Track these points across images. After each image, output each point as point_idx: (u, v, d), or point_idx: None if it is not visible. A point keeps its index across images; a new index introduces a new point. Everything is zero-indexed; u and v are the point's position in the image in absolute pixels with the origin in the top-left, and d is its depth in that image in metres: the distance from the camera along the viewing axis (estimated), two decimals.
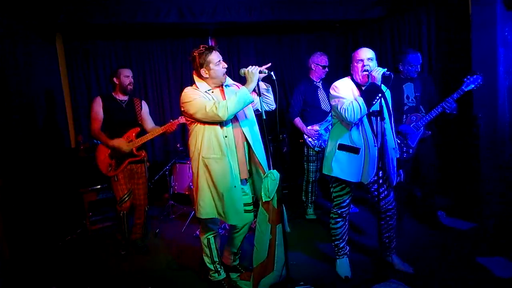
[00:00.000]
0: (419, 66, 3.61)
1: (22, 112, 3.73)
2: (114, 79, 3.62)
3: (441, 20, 4.28)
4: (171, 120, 3.69)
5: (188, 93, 2.76)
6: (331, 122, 3.71)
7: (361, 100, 2.70)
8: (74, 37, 5.04)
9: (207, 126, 2.74)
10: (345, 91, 2.86)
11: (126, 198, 3.64)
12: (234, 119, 2.80)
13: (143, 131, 3.73)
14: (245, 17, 4.60)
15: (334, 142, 2.95)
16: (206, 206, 2.80)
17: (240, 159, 2.84)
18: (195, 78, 2.83)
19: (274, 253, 2.80)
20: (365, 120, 2.84)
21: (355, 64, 2.85)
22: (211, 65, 2.72)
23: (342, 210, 3.05)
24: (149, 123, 3.80)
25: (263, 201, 2.76)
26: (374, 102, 2.71)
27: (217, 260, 3.02)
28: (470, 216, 3.92)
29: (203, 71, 2.74)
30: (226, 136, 2.75)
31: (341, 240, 3.13)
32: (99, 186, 4.49)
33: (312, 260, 3.43)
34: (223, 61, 2.79)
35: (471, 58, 3.76)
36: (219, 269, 3.02)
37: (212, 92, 2.79)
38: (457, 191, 4.26)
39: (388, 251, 3.11)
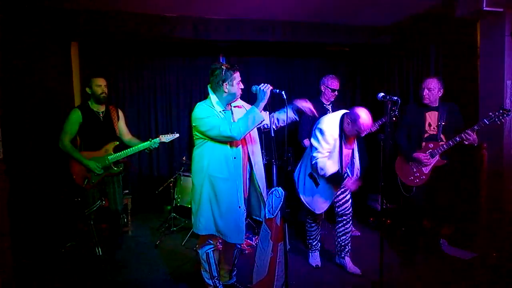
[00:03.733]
0: (438, 90, 3.58)
1: (33, 116, 3.79)
2: (87, 88, 3.58)
3: (449, 50, 4.35)
4: (150, 139, 3.67)
5: (203, 110, 2.77)
6: None
7: (330, 172, 3.16)
8: (89, 46, 5.16)
9: (217, 145, 2.76)
10: (329, 138, 3.18)
11: (94, 208, 3.66)
12: (242, 139, 2.83)
13: (122, 144, 3.72)
14: (257, 37, 4.71)
15: (304, 167, 3.57)
16: (205, 222, 2.82)
17: (243, 179, 2.88)
18: (211, 91, 2.85)
19: (274, 271, 2.80)
20: (337, 156, 3.25)
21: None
22: (234, 82, 2.78)
23: (317, 216, 3.57)
24: (125, 133, 3.79)
25: (266, 218, 2.78)
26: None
27: (216, 275, 3.01)
28: (471, 246, 3.89)
29: (225, 85, 2.77)
30: (235, 158, 2.79)
31: (314, 239, 3.72)
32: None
33: (312, 281, 3.41)
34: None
35: (479, 90, 3.82)
36: (217, 285, 3.01)
37: (225, 112, 2.81)
38: (459, 220, 4.24)
39: (343, 253, 3.58)
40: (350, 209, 3.51)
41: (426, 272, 3.49)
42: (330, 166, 3.15)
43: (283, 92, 2.68)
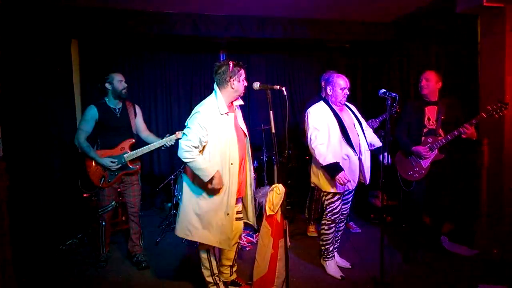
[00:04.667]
0: (435, 82, 3.60)
1: (33, 114, 3.79)
2: (107, 84, 3.49)
3: (449, 46, 4.34)
4: (168, 135, 3.50)
5: (196, 116, 2.77)
6: None
7: (329, 160, 3.13)
8: (89, 43, 5.15)
9: (218, 151, 2.80)
10: (319, 120, 3.24)
11: (109, 208, 3.58)
12: (239, 141, 2.90)
13: (138, 142, 3.64)
14: (257, 33, 4.69)
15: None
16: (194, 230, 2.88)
17: (239, 180, 2.93)
18: (217, 88, 2.87)
19: (275, 268, 2.81)
20: (339, 137, 3.21)
21: (338, 90, 3.28)
22: (240, 79, 2.84)
23: (335, 216, 3.34)
24: (143, 130, 3.69)
25: (267, 214, 2.78)
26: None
27: (216, 272, 3.02)
28: (473, 242, 3.89)
29: (232, 81, 2.80)
30: (232, 163, 2.82)
31: (331, 245, 3.45)
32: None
33: (312, 278, 3.41)
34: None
35: (479, 86, 3.82)
36: (217, 282, 3.02)
37: (228, 115, 2.85)
38: (460, 217, 4.24)
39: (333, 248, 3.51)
40: (348, 210, 3.51)
41: (427, 269, 3.50)
42: (327, 153, 3.15)
43: (283, 89, 2.68)
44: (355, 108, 3.54)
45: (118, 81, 3.49)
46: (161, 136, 3.60)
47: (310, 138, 3.23)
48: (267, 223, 2.80)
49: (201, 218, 2.85)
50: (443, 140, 3.49)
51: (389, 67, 5.34)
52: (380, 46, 5.44)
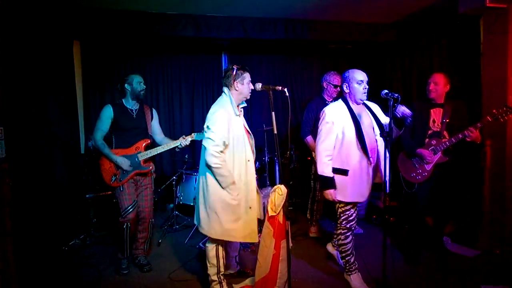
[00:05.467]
0: (443, 85, 3.57)
1: (35, 115, 3.79)
2: (126, 85, 3.51)
3: (452, 47, 4.33)
4: (184, 136, 3.56)
5: (217, 116, 2.86)
6: None
7: (327, 172, 3.00)
8: (91, 44, 5.15)
9: (237, 150, 2.91)
10: (335, 120, 3.03)
11: (131, 209, 3.44)
12: (248, 138, 3.02)
13: (153, 144, 3.64)
14: (259, 35, 4.70)
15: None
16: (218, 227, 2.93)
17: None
18: (227, 90, 3.00)
19: (277, 269, 2.80)
20: (355, 142, 2.99)
21: (355, 85, 3.04)
22: (244, 81, 2.95)
23: (351, 223, 3.12)
24: (158, 133, 3.70)
25: (269, 215, 2.78)
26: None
27: (222, 271, 3.06)
28: (475, 243, 3.88)
29: (236, 83, 2.94)
30: (249, 160, 2.96)
31: (351, 255, 3.17)
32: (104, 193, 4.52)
33: (314, 279, 3.41)
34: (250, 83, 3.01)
35: (481, 86, 3.81)
36: (221, 281, 3.04)
37: (239, 116, 2.97)
38: (463, 217, 4.23)
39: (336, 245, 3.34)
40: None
41: (430, 270, 3.49)
42: (327, 163, 3.02)
43: (285, 90, 2.68)
44: (378, 108, 3.28)
45: (138, 82, 3.52)
46: (177, 138, 3.62)
47: (319, 139, 3.08)
48: (269, 223, 2.80)
49: (226, 214, 2.91)
50: (447, 142, 3.46)
51: (391, 67, 5.34)
52: (382, 47, 5.43)
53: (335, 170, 3.04)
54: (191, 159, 5.03)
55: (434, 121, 3.61)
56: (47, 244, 3.85)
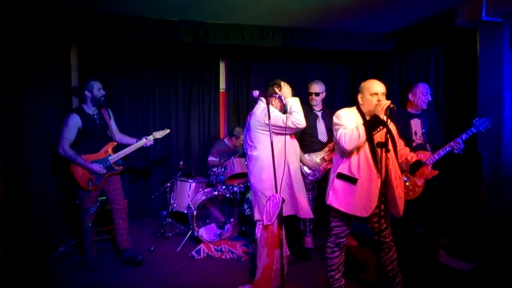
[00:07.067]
0: (429, 95, 3.58)
1: (31, 119, 3.76)
2: (86, 92, 3.59)
3: (449, 58, 4.36)
4: (146, 137, 3.88)
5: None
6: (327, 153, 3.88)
7: (362, 128, 2.69)
8: (88, 49, 5.12)
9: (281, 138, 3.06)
10: (348, 119, 2.83)
11: (93, 210, 3.66)
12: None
13: (119, 145, 3.81)
14: (257, 42, 4.70)
15: (334, 170, 2.93)
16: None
17: None
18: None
19: (270, 278, 2.79)
20: (368, 151, 2.78)
21: (368, 96, 2.80)
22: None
23: (340, 240, 2.94)
24: (117, 131, 3.86)
25: (264, 224, 2.76)
26: (374, 133, 2.72)
27: None
28: (470, 257, 3.86)
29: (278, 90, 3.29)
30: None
31: (336, 271, 3.00)
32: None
33: (309, 282, 3.37)
34: None
35: (477, 99, 3.81)
36: None
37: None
38: (458, 231, 4.22)
39: (394, 285, 2.99)
40: (390, 237, 2.98)
41: (425, 283, 3.45)
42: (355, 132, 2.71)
43: (283, 97, 2.68)
44: (392, 125, 2.97)
45: (98, 89, 3.60)
46: (136, 136, 3.95)
47: (340, 138, 2.74)
48: (264, 231, 2.79)
49: None
50: (435, 156, 3.43)
51: (389, 77, 5.36)
52: (380, 56, 5.47)
53: (343, 177, 2.83)
54: (185, 166, 4.95)
55: (416, 133, 3.58)
56: (38, 249, 3.78)
